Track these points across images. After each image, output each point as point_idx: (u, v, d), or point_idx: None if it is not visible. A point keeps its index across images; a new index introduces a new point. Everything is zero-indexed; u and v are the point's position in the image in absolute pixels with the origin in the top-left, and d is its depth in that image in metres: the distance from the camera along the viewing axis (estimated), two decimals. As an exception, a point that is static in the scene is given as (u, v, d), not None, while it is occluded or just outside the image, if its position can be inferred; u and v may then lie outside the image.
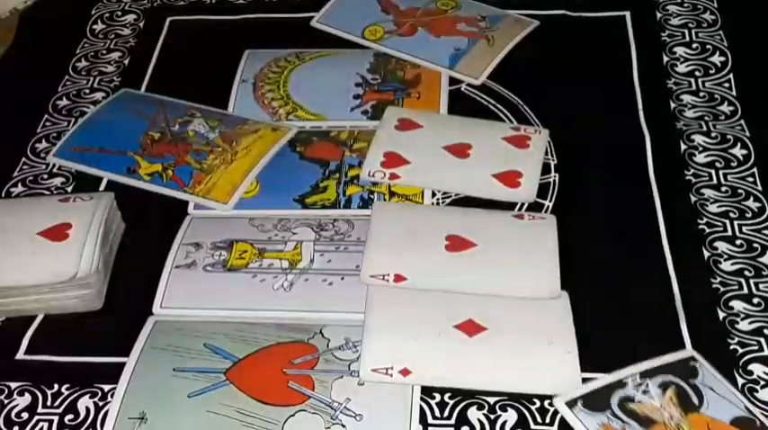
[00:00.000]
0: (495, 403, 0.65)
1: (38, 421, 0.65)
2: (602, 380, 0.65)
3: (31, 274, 0.71)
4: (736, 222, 0.76)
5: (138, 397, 0.65)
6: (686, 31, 0.96)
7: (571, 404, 0.63)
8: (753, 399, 0.64)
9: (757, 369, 0.66)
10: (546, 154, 0.83)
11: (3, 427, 0.65)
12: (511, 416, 0.64)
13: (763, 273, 0.72)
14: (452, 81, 0.92)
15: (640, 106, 0.88)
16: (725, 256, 0.73)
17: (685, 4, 1.00)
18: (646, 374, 0.65)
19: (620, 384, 0.64)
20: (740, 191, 0.79)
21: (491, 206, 0.79)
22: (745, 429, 0.62)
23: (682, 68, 0.92)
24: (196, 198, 0.81)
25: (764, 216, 0.77)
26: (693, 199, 0.78)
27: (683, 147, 0.83)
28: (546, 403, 0.65)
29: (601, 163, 0.83)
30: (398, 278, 0.71)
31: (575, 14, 1.00)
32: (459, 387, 0.65)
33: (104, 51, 1.00)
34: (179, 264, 0.75)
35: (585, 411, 0.63)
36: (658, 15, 0.99)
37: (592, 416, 0.62)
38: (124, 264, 0.76)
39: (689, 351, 0.67)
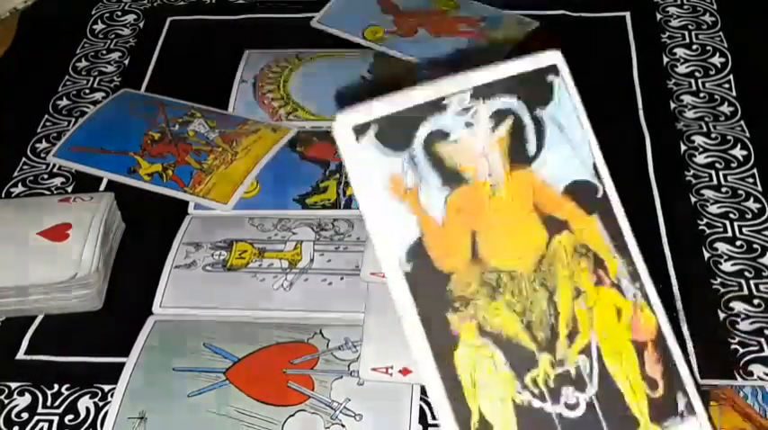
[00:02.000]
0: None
1: (38, 421, 0.65)
2: (416, 94, 0.50)
3: (31, 274, 0.71)
4: (736, 223, 0.76)
5: (137, 397, 0.65)
6: (686, 33, 0.96)
7: (360, 130, 0.49)
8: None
9: (758, 369, 0.66)
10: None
11: (3, 427, 0.65)
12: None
13: (764, 273, 0.72)
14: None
15: (640, 106, 0.88)
16: (725, 257, 0.74)
17: (685, 6, 1.00)
18: (480, 93, 0.51)
19: (439, 106, 0.50)
20: (740, 192, 0.79)
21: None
22: (581, 198, 0.53)
23: (682, 69, 0.92)
24: (196, 198, 0.81)
25: (765, 217, 0.77)
26: (693, 199, 0.78)
27: (683, 147, 0.83)
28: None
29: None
30: None
31: (575, 14, 1.00)
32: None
33: (104, 51, 1.00)
34: (179, 263, 0.75)
35: (376, 145, 0.49)
36: (658, 17, 0.99)
37: (384, 155, 0.49)
38: (124, 264, 0.76)
39: (552, 55, 0.54)
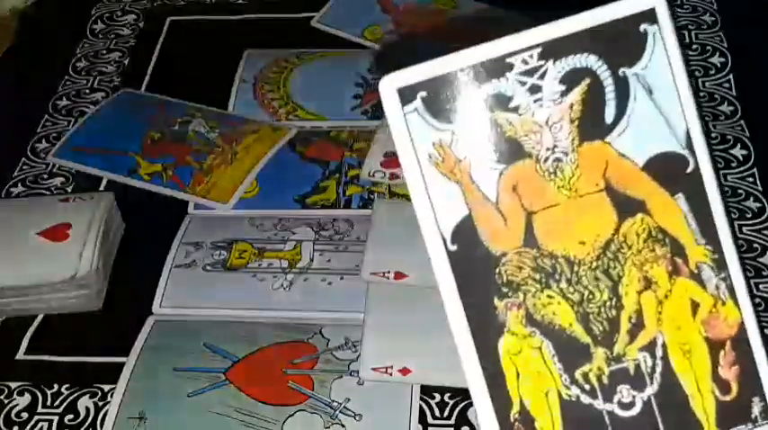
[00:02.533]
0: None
1: (38, 421, 0.65)
2: (472, 54, 0.44)
3: (31, 274, 0.71)
4: (736, 222, 0.76)
5: (137, 397, 0.65)
6: (686, 33, 0.96)
7: (407, 94, 0.44)
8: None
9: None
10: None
11: (3, 427, 0.65)
12: (511, 416, 0.64)
13: (764, 273, 0.72)
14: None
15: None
16: (725, 256, 0.73)
17: (685, 6, 1.00)
18: (551, 50, 0.45)
19: (500, 67, 0.44)
20: (740, 191, 0.79)
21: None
22: (660, 174, 0.46)
23: (682, 69, 0.92)
24: (196, 198, 0.81)
25: (765, 216, 0.77)
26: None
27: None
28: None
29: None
30: (399, 275, 0.71)
31: (575, 14, 1.00)
32: (459, 386, 0.65)
33: (104, 51, 1.00)
34: (179, 263, 0.75)
35: (425, 111, 0.45)
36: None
37: (433, 123, 0.45)
38: (124, 264, 0.76)
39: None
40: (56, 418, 0.65)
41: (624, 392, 0.48)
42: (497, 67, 0.45)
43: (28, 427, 0.65)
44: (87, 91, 0.95)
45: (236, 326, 0.70)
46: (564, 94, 0.45)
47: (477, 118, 0.45)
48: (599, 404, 0.48)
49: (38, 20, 1.06)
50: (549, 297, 0.47)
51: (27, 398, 0.67)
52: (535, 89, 0.45)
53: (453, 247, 0.46)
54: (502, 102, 0.45)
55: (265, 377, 0.66)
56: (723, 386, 0.49)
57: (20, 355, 0.70)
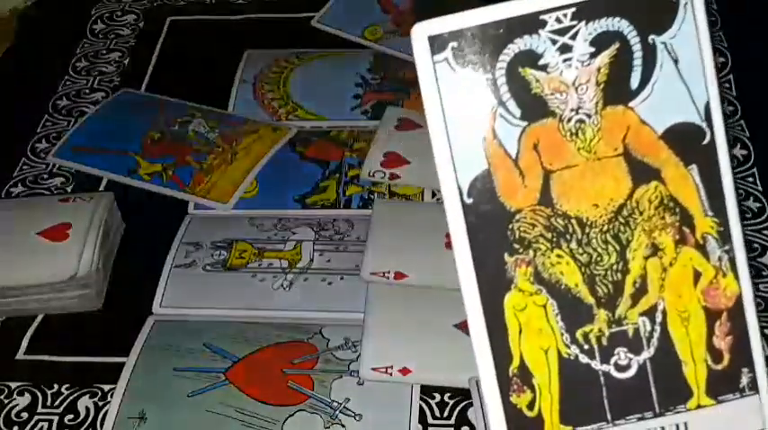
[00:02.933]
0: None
1: (38, 421, 0.65)
2: (506, 8, 0.44)
3: (31, 274, 0.71)
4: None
5: (137, 396, 0.65)
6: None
7: (438, 44, 0.44)
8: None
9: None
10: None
11: (3, 427, 0.65)
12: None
13: (764, 273, 0.72)
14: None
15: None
16: (725, 256, 0.73)
17: (685, 5, 1.00)
18: (585, 11, 0.45)
19: (533, 24, 0.45)
20: (740, 191, 0.79)
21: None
22: (676, 143, 0.47)
23: (682, 68, 0.92)
24: (196, 198, 0.81)
25: (765, 216, 0.77)
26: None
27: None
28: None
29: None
30: (399, 275, 0.71)
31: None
32: (459, 386, 0.65)
33: (104, 51, 1.00)
34: (179, 263, 0.75)
35: (454, 62, 0.45)
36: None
37: (461, 74, 0.45)
38: (124, 264, 0.76)
39: None
40: (56, 418, 0.65)
41: (621, 355, 0.49)
42: (530, 24, 0.45)
43: (28, 427, 0.65)
44: (87, 91, 0.95)
45: (236, 326, 0.70)
46: (593, 56, 0.46)
47: (505, 72, 0.46)
48: (596, 364, 0.49)
49: (38, 20, 1.06)
50: (559, 256, 0.48)
51: (27, 398, 0.67)
52: (565, 49, 0.45)
53: (469, 200, 0.47)
54: (531, 58, 0.45)
55: (265, 377, 0.66)
56: (716, 355, 0.50)
57: (20, 355, 0.70)
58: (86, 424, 0.64)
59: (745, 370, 0.50)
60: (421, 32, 0.45)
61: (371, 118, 0.89)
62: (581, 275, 0.48)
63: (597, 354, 0.49)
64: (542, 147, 0.47)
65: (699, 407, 0.50)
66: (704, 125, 0.48)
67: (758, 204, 0.78)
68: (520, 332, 0.48)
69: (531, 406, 0.49)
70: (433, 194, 0.81)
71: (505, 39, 0.45)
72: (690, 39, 0.47)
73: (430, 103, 0.46)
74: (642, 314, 0.49)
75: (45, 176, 0.85)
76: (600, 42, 0.46)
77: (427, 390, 0.65)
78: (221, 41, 1.01)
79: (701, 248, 0.49)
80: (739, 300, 0.50)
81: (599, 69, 0.46)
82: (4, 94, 0.95)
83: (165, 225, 0.79)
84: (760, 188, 0.79)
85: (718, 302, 0.50)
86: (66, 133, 0.88)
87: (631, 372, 0.49)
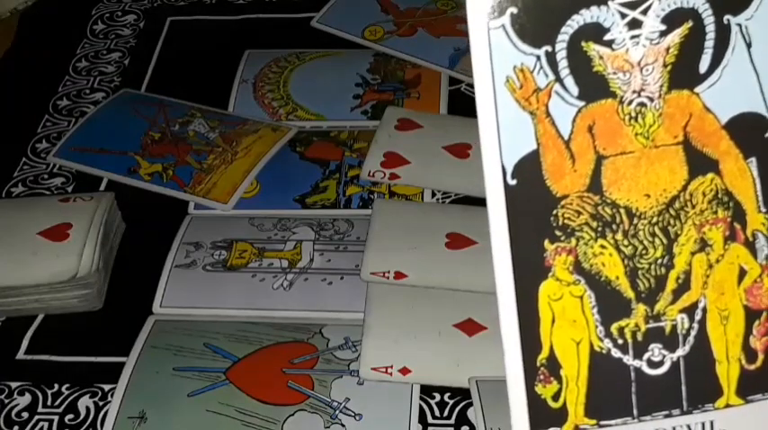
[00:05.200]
0: (495, 403, 0.65)
1: (38, 421, 0.65)
2: None
3: (31, 274, 0.71)
4: (735, 222, 0.76)
5: (137, 396, 0.65)
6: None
7: (496, 10, 0.41)
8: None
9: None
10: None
11: (3, 427, 0.65)
12: (511, 416, 0.64)
13: (763, 272, 0.72)
14: (452, 81, 0.92)
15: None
16: (725, 256, 0.73)
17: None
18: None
19: None
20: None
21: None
22: (738, 134, 0.44)
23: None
24: (196, 198, 0.81)
25: (764, 216, 0.76)
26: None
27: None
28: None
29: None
30: (399, 275, 0.71)
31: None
32: (459, 386, 0.65)
33: (104, 51, 1.00)
34: (179, 263, 0.75)
35: (512, 31, 0.42)
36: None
37: (518, 44, 0.42)
38: (124, 264, 0.76)
39: None
40: (56, 418, 0.65)
41: (656, 351, 0.47)
42: None
43: (28, 427, 0.65)
44: (87, 91, 0.95)
45: (236, 326, 0.70)
46: (663, 34, 0.42)
47: (566, 46, 0.42)
48: (628, 359, 0.47)
49: (38, 20, 1.06)
50: (602, 247, 0.46)
51: (27, 397, 0.67)
52: (635, 24, 0.42)
53: (513, 182, 0.44)
54: (597, 32, 0.42)
55: (265, 377, 0.66)
56: (751, 355, 0.48)
57: (20, 355, 0.70)
58: (86, 424, 0.65)
59: None
60: None
61: (371, 118, 0.89)
62: (623, 268, 0.46)
63: (631, 349, 0.47)
64: (597, 130, 0.44)
65: (727, 406, 0.48)
66: None
67: (758, 204, 0.77)
68: (552, 322, 0.46)
69: (555, 397, 0.47)
70: (433, 194, 0.81)
71: (571, 8, 0.42)
72: (766, 22, 0.44)
73: (480, 72, 0.42)
74: (682, 311, 0.47)
75: (45, 176, 0.85)
76: (672, 19, 0.43)
77: (427, 390, 0.65)
78: (221, 41, 1.01)
79: (750, 245, 0.47)
80: None
81: (668, 49, 0.43)
82: (4, 94, 0.95)
83: (165, 225, 0.79)
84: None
85: (760, 302, 0.48)
86: (67, 133, 0.88)
87: (664, 369, 0.48)
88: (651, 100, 0.44)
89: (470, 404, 0.64)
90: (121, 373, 0.67)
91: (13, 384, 0.67)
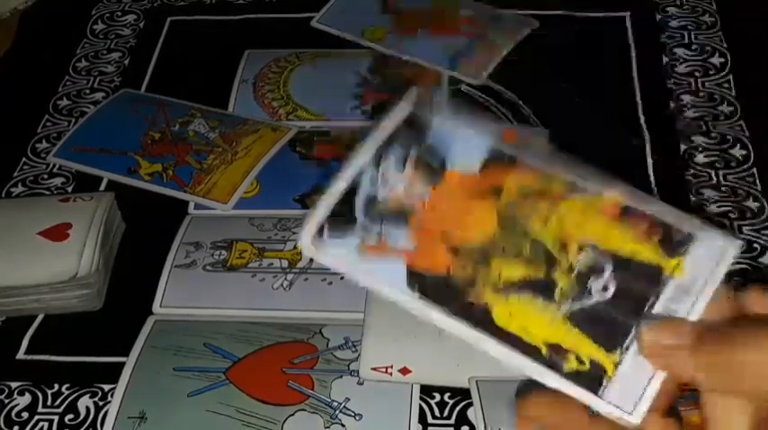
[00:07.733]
0: (495, 403, 0.65)
1: (38, 421, 0.65)
2: (330, 195, 0.48)
3: (31, 274, 0.71)
4: (735, 223, 0.76)
5: (137, 396, 0.65)
6: (685, 33, 0.96)
7: (318, 237, 0.49)
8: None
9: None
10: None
11: (3, 427, 0.65)
12: (511, 416, 0.64)
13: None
14: (452, 81, 0.92)
15: (640, 106, 0.88)
16: (725, 256, 0.73)
17: (684, 6, 1.00)
18: (378, 159, 0.49)
19: (353, 191, 0.48)
20: (740, 191, 0.79)
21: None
22: (495, 168, 0.48)
23: (681, 69, 0.92)
24: (196, 198, 0.81)
25: (764, 216, 0.77)
26: (693, 199, 0.78)
27: (682, 147, 0.83)
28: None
29: (600, 163, 0.83)
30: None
31: (575, 14, 1.00)
32: (459, 386, 0.65)
33: (104, 51, 1.00)
34: (179, 263, 0.75)
35: (335, 237, 0.49)
36: (658, 17, 0.99)
37: (345, 239, 0.49)
38: (124, 264, 0.76)
39: (405, 105, 0.52)
40: (56, 418, 0.65)
41: (594, 283, 0.49)
42: (360, 182, 0.47)
43: (28, 427, 0.65)
44: (87, 91, 0.95)
45: (236, 326, 0.70)
46: (402, 171, 0.48)
47: (364, 215, 0.48)
48: (588, 301, 0.49)
49: (38, 20, 1.06)
50: (497, 268, 0.49)
51: (27, 397, 0.67)
52: (383, 181, 0.48)
53: (416, 295, 0.49)
54: (371, 199, 0.48)
55: (265, 377, 0.66)
56: (646, 235, 0.48)
57: (20, 355, 0.70)
58: (87, 423, 0.65)
59: (680, 226, 0.46)
60: (306, 241, 0.48)
61: (371, 118, 0.89)
62: (522, 265, 0.49)
63: (581, 297, 0.49)
64: (424, 227, 0.49)
65: None
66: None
67: (758, 204, 0.78)
68: (526, 329, 0.49)
69: (580, 360, 0.50)
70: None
71: (349, 197, 0.48)
72: None
73: (348, 276, 0.48)
74: (578, 252, 0.48)
75: (45, 176, 0.85)
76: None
77: (427, 390, 0.65)
78: (221, 41, 1.01)
79: (573, 193, 0.50)
80: (624, 206, 0.49)
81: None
82: (4, 94, 0.95)
83: (165, 225, 0.79)
84: (759, 188, 0.79)
85: (611, 212, 0.49)
86: (67, 133, 0.88)
87: (612, 285, 0.47)
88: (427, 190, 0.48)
89: (470, 404, 0.64)
90: (121, 373, 0.67)
91: (13, 384, 0.67)
